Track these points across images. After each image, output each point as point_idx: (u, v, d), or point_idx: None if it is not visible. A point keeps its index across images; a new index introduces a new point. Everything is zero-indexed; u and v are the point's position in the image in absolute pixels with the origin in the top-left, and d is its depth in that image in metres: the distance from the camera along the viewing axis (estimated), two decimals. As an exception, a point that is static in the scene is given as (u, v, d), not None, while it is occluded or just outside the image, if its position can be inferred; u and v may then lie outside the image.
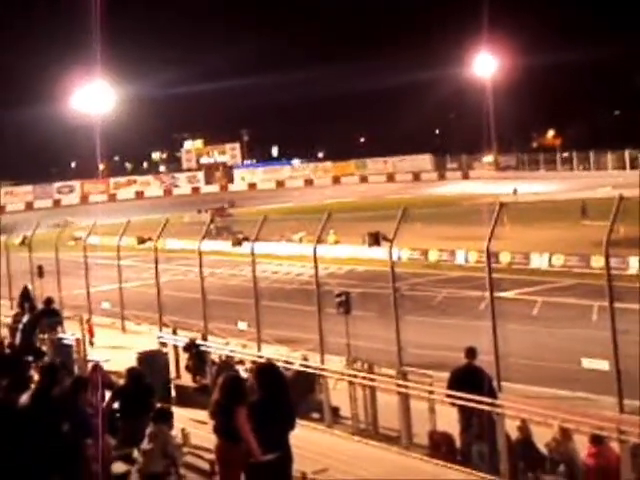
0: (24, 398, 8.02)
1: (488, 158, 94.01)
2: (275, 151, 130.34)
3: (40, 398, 7.78)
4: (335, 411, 14.98)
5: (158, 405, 10.45)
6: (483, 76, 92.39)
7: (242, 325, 21.99)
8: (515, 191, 59.84)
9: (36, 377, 14.39)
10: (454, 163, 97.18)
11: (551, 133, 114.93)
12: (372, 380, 14.28)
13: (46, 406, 7.65)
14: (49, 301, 21.84)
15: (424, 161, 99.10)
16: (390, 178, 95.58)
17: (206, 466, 9.83)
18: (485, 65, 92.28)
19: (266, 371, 8.10)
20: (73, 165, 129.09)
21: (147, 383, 11.12)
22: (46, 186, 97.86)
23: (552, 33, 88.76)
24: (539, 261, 32.46)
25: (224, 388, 8.05)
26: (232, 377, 8.58)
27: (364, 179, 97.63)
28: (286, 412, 7.81)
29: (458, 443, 12.64)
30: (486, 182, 77.00)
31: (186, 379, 17.92)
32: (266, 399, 7.68)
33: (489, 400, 11.93)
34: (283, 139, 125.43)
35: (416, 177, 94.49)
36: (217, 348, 18.24)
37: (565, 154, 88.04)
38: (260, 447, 7.59)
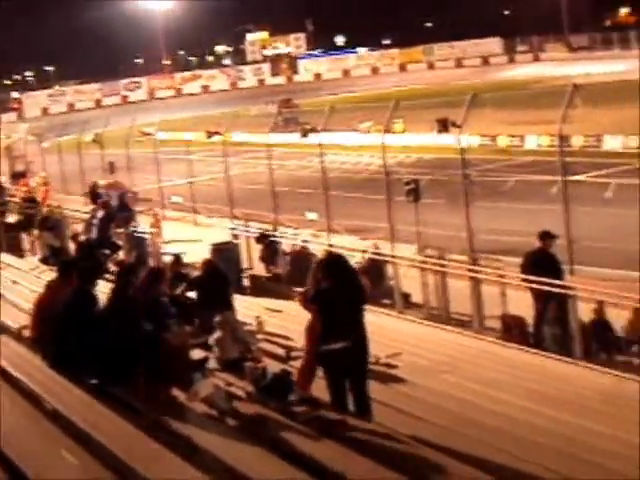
0: (103, 298, 8.20)
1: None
2: (340, 40, 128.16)
3: (119, 298, 7.95)
4: (406, 297, 15.11)
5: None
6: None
7: (312, 215, 22.06)
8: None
9: (112, 268, 14.85)
10: (524, 45, 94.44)
11: (624, 11, 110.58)
12: (443, 266, 14.30)
13: (125, 306, 7.82)
14: (122, 196, 22.29)
15: (493, 44, 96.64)
16: (458, 63, 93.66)
17: (282, 352, 10.02)
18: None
19: (332, 261, 8.09)
20: (139, 61, 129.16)
21: (222, 273, 11.30)
22: (113, 83, 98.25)
23: None
24: (612, 143, 31.65)
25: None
26: None
27: (431, 65, 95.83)
28: (356, 297, 7.79)
29: (530, 327, 12.69)
30: (558, 64, 74.74)
31: (260, 269, 18.19)
32: (333, 286, 7.68)
33: (562, 282, 11.87)
34: (348, 28, 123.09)
35: (485, 61, 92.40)
36: (288, 238, 18.42)
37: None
38: (331, 335, 7.61)
